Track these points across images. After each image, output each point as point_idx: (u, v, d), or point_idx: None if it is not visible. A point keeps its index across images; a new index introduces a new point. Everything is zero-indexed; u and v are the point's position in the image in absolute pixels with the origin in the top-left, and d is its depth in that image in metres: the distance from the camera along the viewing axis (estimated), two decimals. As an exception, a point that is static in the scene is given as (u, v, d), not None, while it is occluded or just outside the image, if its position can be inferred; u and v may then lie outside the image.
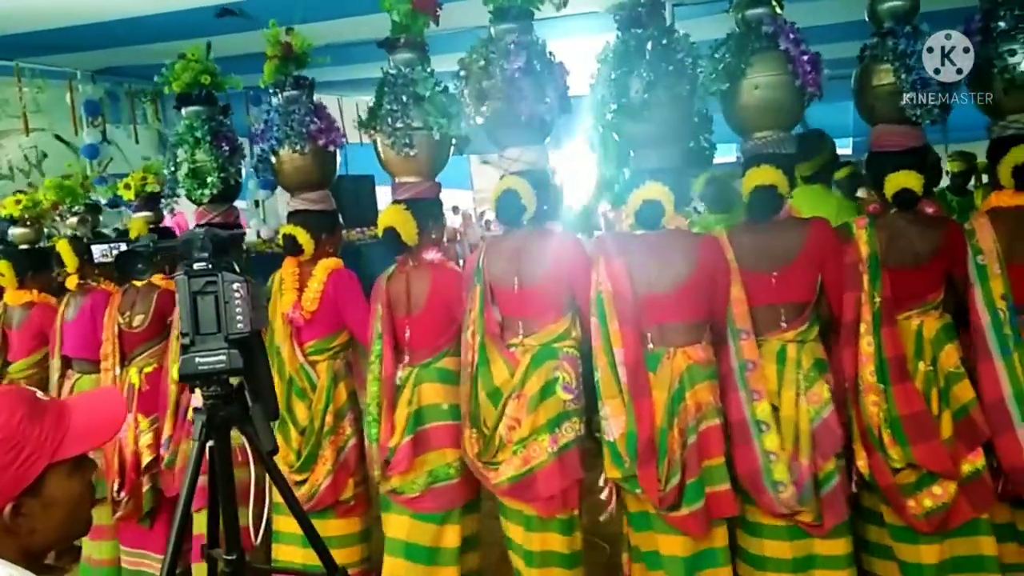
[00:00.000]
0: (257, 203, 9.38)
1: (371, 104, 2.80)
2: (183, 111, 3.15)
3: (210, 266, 1.97)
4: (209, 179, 3.05)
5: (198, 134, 3.05)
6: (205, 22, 6.64)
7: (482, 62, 2.55)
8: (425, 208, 2.78)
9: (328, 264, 2.94)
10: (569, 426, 2.54)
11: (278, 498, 2.84)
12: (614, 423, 2.48)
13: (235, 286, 1.96)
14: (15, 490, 1.10)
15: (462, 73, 2.62)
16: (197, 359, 1.94)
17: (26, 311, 3.65)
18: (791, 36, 2.45)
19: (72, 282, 3.53)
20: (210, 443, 1.99)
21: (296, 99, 2.94)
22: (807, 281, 2.52)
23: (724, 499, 2.47)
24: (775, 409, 2.48)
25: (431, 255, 2.81)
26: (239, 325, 1.95)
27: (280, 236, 3.02)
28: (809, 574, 2.53)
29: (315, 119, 2.92)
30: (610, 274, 2.50)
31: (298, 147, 2.89)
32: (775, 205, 2.51)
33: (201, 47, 3.13)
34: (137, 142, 9.16)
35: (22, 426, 1.11)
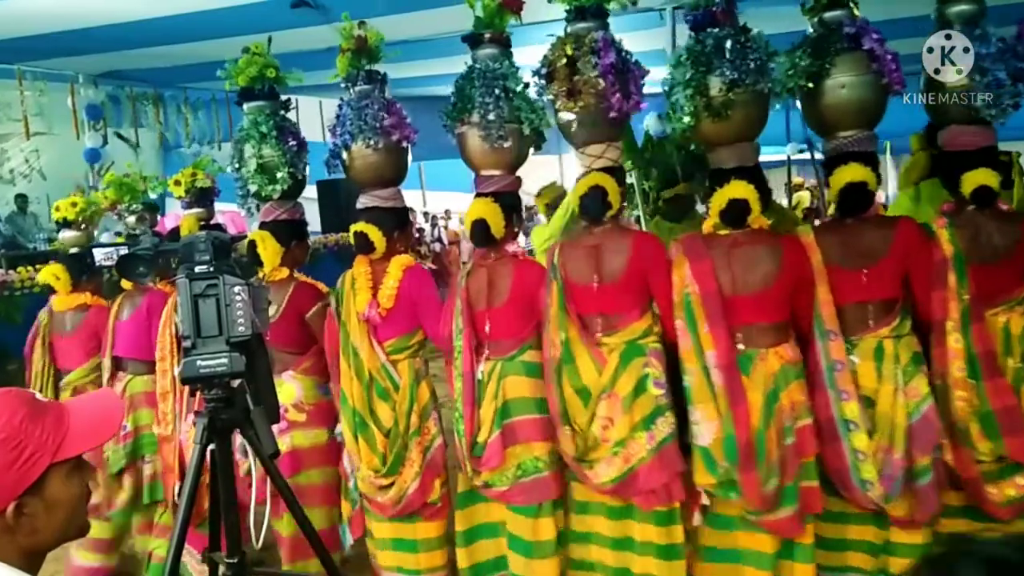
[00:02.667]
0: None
1: (453, 98, 2.74)
2: (244, 107, 3.03)
3: (211, 269, 1.97)
4: (279, 174, 2.96)
5: (263, 129, 2.94)
6: (206, 26, 6.67)
7: (564, 60, 2.53)
8: (511, 201, 2.75)
9: (403, 261, 2.87)
10: (663, 421, 2.51)
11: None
12: (706, 427, 2.44)
13: (236, 289, 1.94)
14: (19, 489, 1.09)
15: (544, 70, 2.59)
16: (199, 362, 1.93)
17: (79, 314, 3.46)
18: (874, 36, 2.45)
19: (128, 281, 3.36)
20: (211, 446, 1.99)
21: (368, 93, 2.84)
22: (896, 278, 2.51)
23: (814, 495, 2.47)
24: (871, 405, 2.46)
25: (513, 247, 2.80)
26: (240, 328, 1.93)
27: (351, 234, 2.90)
28: (884, 559, 2.57)
29: (388, 114, 2.82)
30: (696, 275, 2.48)
31: (372, 142, 2.80)
32: (866, 202, 2.51)
33: (262, 42, 3.03)
34: (138, 145, 9.18)
35: (24, 425, 1.10)
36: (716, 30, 2.43)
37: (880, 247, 2.51)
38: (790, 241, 2.54)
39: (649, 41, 5.61)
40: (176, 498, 3.05)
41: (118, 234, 3.85)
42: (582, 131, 2.62)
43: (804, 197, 8.41)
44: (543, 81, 2.59)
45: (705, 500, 2.56)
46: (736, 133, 2.51)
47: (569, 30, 2.59)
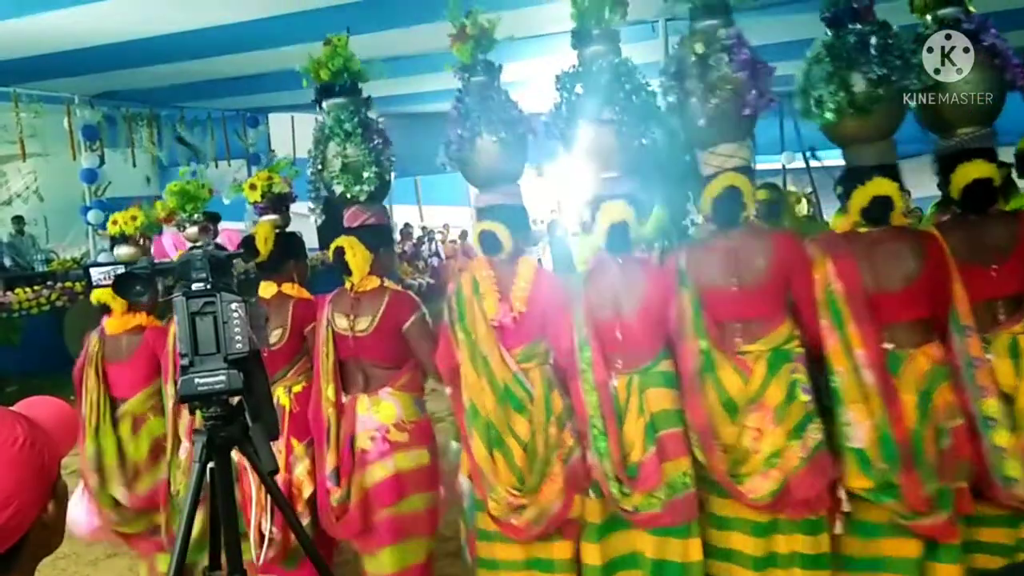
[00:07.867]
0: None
1: (565, 97, 2.57)
2: (325, 104, 2.83)
3: (208, 287, 1.97)
4: (365, 174, 2.76)
5: (347, 127, 2.76)
6: (200, 44, 6.66)
7: (692, 58, 2.39)
8: (641, 204, 2.58)
9: (532, 262, 2.68)
10: (814, 427, 2.38)
11: (489, 525, 2.60)
12: (860, 428, 2.33)
13: (233, 306, 1.92)
14: (49, 489, 1.11)
15: (672, 69, 2.47)
16: (196, 380, 1.92)
17: (135, 336, 3.18)
18: (993, 31, 2.40)
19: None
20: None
21: (489, 84, 2.68)
22: (1022, 273, 2.48)
23: (965, 496, 2.39)
24: (1009, 402, 2.40)
25: (641, 253, 2.64)
26: (238, 345, 1.91)
27: (476, 233, 2.71)
28: (1016, 556, 2.51)
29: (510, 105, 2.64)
30: (840, 273, 2.38)
31: (502, 133, 2.60)
32: (992, 198, 2.48)
33: (342, 39, 2.83)
34: (134, 166, 9.19)
35: (32, 429, 1.11)
36: (858, 26, 2.33)
37: (1008, 243, 2.46)
38: (930, 237, 2.44)
39: (642, 54, 5.60)
40: (262, 530, 2.78)
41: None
42: (712, 131, 2.46)
43: (801, 205, 8.40)
44: (672, 81, 2.46)
45: (847, 507, 2.42)
46: (878, 130, 2.42)
47: (696, 27, 2.46)
